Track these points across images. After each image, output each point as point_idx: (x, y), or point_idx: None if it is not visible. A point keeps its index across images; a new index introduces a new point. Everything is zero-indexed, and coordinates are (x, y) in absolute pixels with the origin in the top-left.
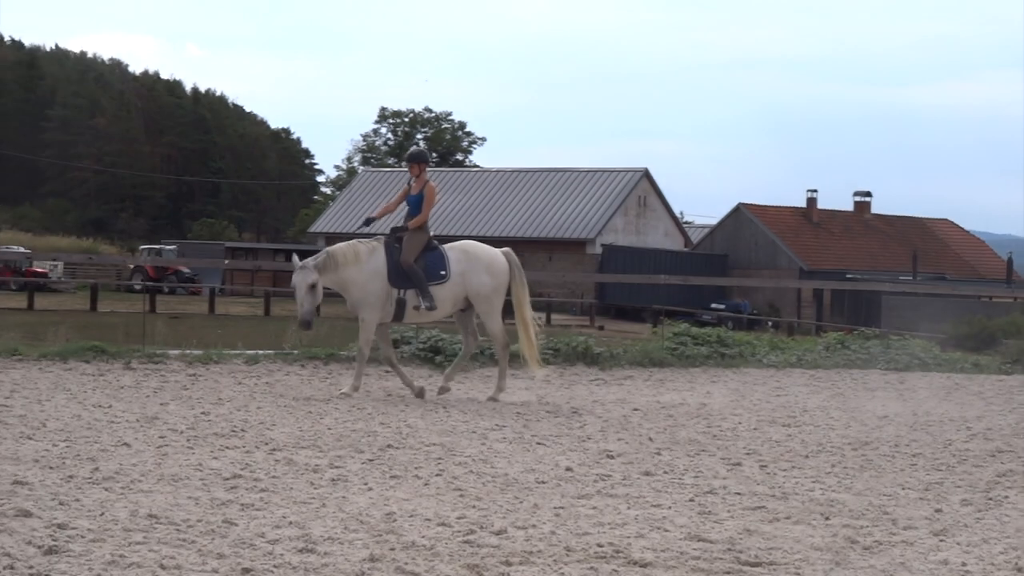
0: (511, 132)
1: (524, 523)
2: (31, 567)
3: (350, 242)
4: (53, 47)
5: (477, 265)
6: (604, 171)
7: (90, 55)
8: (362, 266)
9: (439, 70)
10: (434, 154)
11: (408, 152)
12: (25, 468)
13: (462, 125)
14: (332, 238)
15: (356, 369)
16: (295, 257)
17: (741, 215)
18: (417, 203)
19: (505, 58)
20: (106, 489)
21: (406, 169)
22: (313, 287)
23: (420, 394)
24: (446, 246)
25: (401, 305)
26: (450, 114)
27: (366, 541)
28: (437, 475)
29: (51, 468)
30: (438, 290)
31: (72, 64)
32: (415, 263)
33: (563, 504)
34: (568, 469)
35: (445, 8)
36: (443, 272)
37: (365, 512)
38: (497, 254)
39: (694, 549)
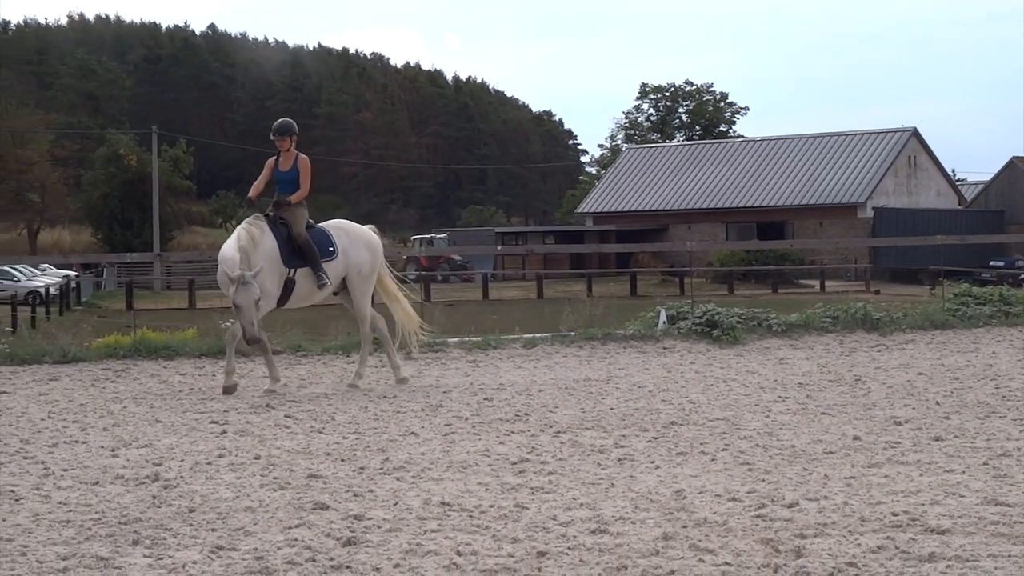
0: (774, 100)
1: (815, 495)
2: (332, 559)
3: (245, 228)
4: (316, 46)
5: (358, 242)
6: (871, 133)
7: (352, 51)
8: (258, 251)
9: (698, 41)
10: (697, 127)
11: (275, 124)
12: (318, 462)
13: (724, 96)
14: (599, 218)
15: (228, 353)
16: (228, 268)
17: (1016, 169)
18: (292, 179)
19: (763, 25)
20: (398, 479)
21: (672, 144)
22: (258, 301)
23: (275, 385)
24: (320, 224)
25: (290, 287)
26: (711, 85)
27: (657, 519)
28: (723, 450)
29: (343, 460)
30: (328, 267)
31: (335, 61)
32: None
33: (853, 474)
34: (856, 438)
35: None
36: (331, 248)
37: (654, 490)
38: (371, 232)
39: (992, 514)
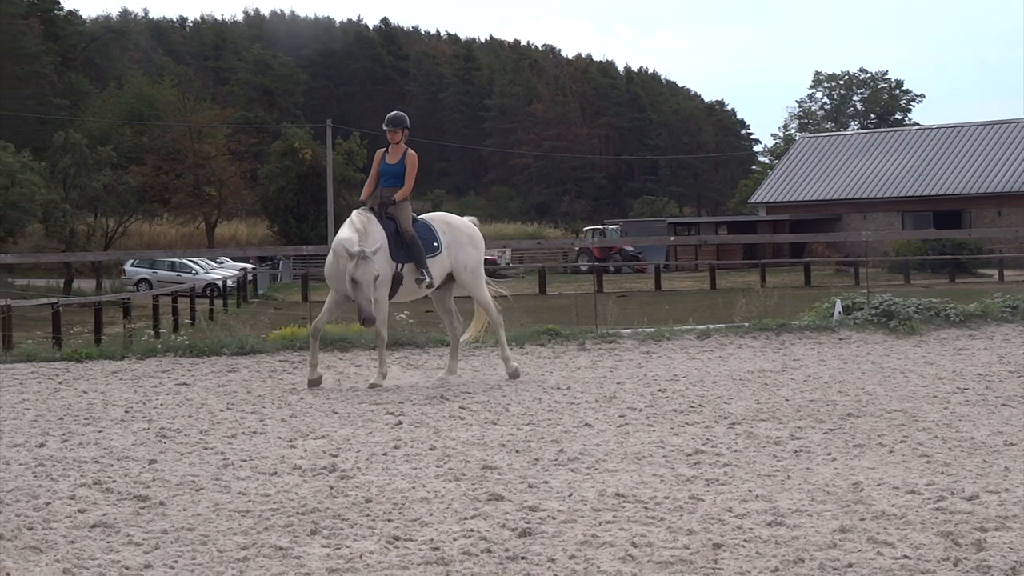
0: (950, 87)
1: (996, 487)
2: (507, 550)
3: (357, 216)
4: (487, 38)
5: (461, 236)
6: None
7: (523, 43)
8: (368, 239)
9: (873, 28)
10: (872, 115)
11: (388, 116)
12: (492, 453)
13: (899, 83)
14: (773, 207)
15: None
16: (344, 243)
17: None
18: (398, 173)
19: (938, 11)
20: (572, 470)
21: (847, 132)
22: (376, 278)
23: (381, 380)
24: (423, 217)
25: (398, 281)
26: (886, 73)
27: (834, 512)
28: (901, 442)
29: (517, 452)
30: (431, 263)
31: (507, 53)
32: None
33: None
34: None
35: None
36: (436, 243)
37: (831, 482)
38: (472, 225)
39: None
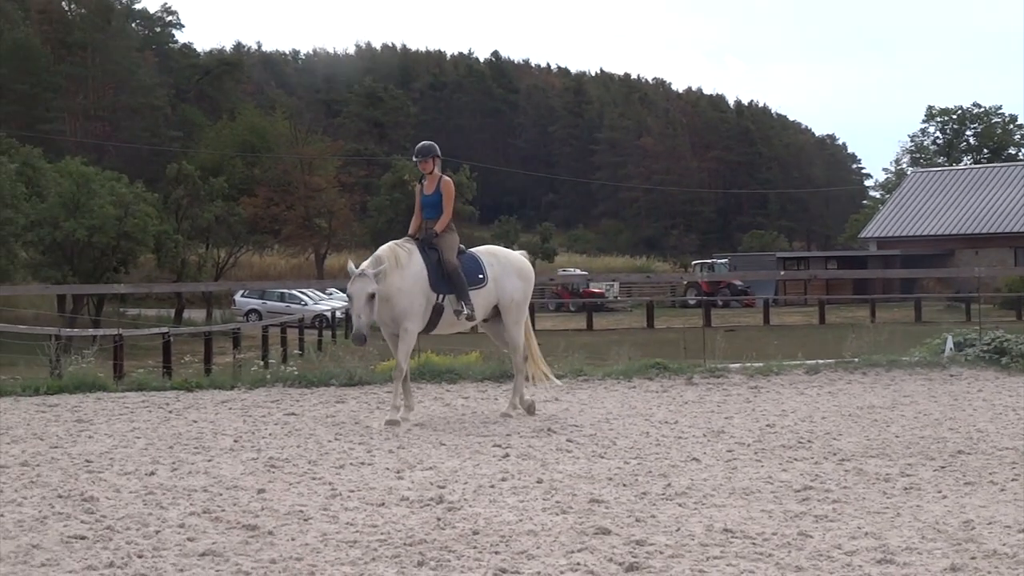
0: None
1: None
2: None
3: (388, 245)
4: (598, 72)
5: (508, 269)
6: None
7: (633, 76)
8: (404, 271)
9: (986, 63)
10: (985, 150)
11: (417, 147)
12: (600, 486)
13: (1013, 118)
14: (884, 242)
15: (395, 388)
16: (350, 264)
17: None
18: (435, 203)
19: None
20: (680, 505)
21: (959, 167)
22: (372, 298)
23: (395, 415)
24: (471, 250)
25: (438, 312)
26: (999, 108)
27: (945, 550)
28: (1013, 480)
29: (625, 485)
30: (475, 295)
31: (617, 86)
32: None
33: None
34: None
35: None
36: (481, 275)
37: (941, 520)
38: (523, 258)
39: None
